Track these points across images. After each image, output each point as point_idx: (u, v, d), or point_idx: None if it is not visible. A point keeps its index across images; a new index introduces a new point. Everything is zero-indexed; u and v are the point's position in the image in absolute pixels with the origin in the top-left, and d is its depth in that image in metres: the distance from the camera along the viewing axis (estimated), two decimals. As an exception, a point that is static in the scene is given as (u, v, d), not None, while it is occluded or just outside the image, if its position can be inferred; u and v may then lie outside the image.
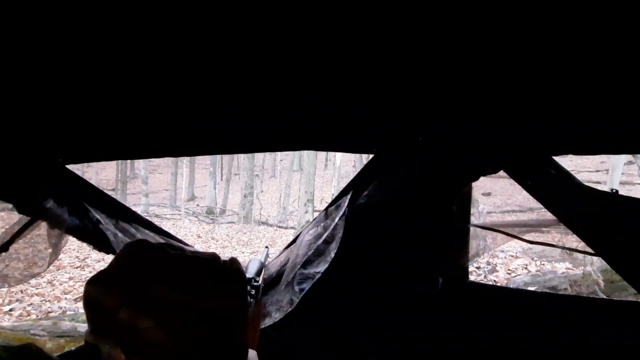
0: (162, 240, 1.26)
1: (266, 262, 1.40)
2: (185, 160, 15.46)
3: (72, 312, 3.74)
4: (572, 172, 1.15)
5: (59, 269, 5.64)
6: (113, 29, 0.49)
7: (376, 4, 0.48)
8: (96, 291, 0.52)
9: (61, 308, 4.12)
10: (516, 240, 1.32)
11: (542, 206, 1.17)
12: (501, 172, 1.21)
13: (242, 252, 7.64)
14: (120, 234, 1.15)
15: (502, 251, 4.50)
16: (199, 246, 8.32)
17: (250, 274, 0.80)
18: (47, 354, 0.69)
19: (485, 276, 3.81)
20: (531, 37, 0.58)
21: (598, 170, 13.69)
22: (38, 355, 0.61)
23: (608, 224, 0.97)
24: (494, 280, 3.71)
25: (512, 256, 4.40)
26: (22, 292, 4.55)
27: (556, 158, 1.13)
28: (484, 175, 1.23)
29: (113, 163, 18.50)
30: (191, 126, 0.93)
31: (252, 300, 0.68)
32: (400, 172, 1.27)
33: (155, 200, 16.42)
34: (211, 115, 0.88)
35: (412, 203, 1.29)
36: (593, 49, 0.61)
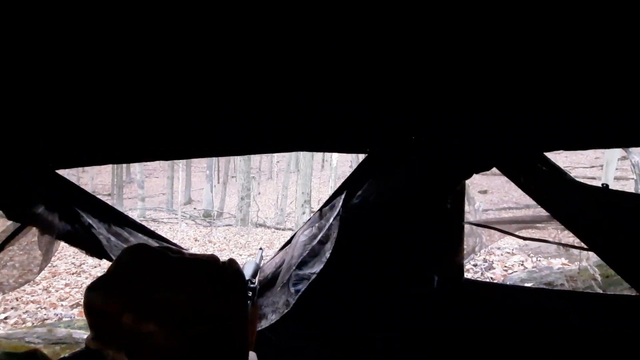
0: (156, 244, 1.25)
1: (261, 264, 1.40)
2: (181, 164, 15.40)
3: (68, 319, 3.71)
4: (566, 169, 1.15)
5: (55, 276, 5.60)
6: (112, 29, 0.49)
7: (376, 4, 0.48)
8: (97, 297, 0.51)
9: (57, 315, 4.08)
10: (512, 237, 1.33)
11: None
12: (497, 170, 1.21)
13: (240, 255, 7.62)
14: (113, 238, 1.14)
15: (499, 248, 4.52)
16: (197, 249, 8.29)
17: (246, 276, 0.81)
18: (51, 359, 0.69)
19: (482, 273, 3.82)
20: (525, 41, 0.59)
21: (593, 166, 13.80)
22: None
23: (600, 218, 0.98)
24: (491, 277, 3.72)
25: (508, 253, 4.42)
26: (17, 299, 4.51)
27: (550, 154, 1.13)
28: (477, 172, 1.24)
29: (109, 168, 18.41)
30: (191, 126, 0.93)
31: (249, 302, 0.68)
32: (395, 172, 1.27)
33: (152, 205, 16.34)
34: (211, 115, 0.88)
35: (406, 202, 1.29)
36: (584, 50, 0.62)
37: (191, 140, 1.01)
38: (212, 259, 0.58)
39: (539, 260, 4.06)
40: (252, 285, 0.73)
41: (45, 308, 4.34)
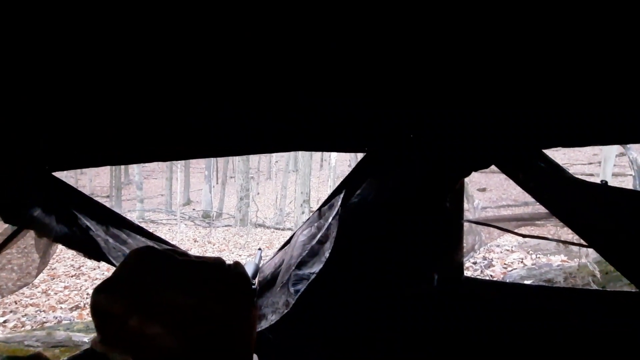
0: (154, 245, 1.25)
1: (260, 264, 1.39)
2: (179, 165, 15.37)
3: (68, 322, 3.70)
4: (564, 165, 1.15)
5: (54, 279, 5.58)
6: (112, 29, 0.49)
7: (376, 4, 0.48)
8: (104, 299, 0.52)
9: (56, 318, 4.07)
10: (511, 234, 1.33)
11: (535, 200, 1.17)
12: (495, 168, 1.21)
13: (239, 255, 7.61)
14: (111, 240, 1.14)
15: (498, 246, 4.52)
16: (196, 250, 8.28)
17: None
18: None
19: (481, 271, 3.82)
20: (523, 41, 0.59)
21: (591, 163, 13.84)
22: None
23: (599, 215, 0.98)
24: (491, 275, 3.73)
25: (507, 250, 4.43)
26: (16, 302, 4.50)
27: (547, 151, 1.13)
28: (476, 170, 1.24)
29: (107, 170, 18.36)
30: (191, 126, 0.92)
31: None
32: (394, 171, 1.27)
33: (150, 206, 16.31)
34: (211, 115, 0.88)
35: (405, 201, 1.29)
36: (582, 50, 0.62)
37: (191, 140, 1.01)
38: (217, 262, 0.59)
39: (538, 258, 4.06)
40: (252, 287, 0.74)
41: (44, 311, 4.33)
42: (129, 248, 1.14)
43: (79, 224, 1.08)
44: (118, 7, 0.44)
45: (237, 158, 12.67)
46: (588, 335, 1.08)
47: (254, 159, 20.42)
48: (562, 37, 0.58)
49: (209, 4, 0.46)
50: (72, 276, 5.79)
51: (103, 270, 5.81)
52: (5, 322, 3.97)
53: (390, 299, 1.29)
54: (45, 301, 4.67)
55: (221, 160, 19.83)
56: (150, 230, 1.32)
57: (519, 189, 1.26)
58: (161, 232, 10.29)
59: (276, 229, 11.95)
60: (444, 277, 1.33)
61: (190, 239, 9.85)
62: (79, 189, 1.23)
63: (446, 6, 0.49)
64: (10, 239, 1.01)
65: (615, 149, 7.95)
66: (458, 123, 1.07)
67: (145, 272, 0.53)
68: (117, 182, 16.66)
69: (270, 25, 0.52)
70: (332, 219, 1.27)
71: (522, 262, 4.01)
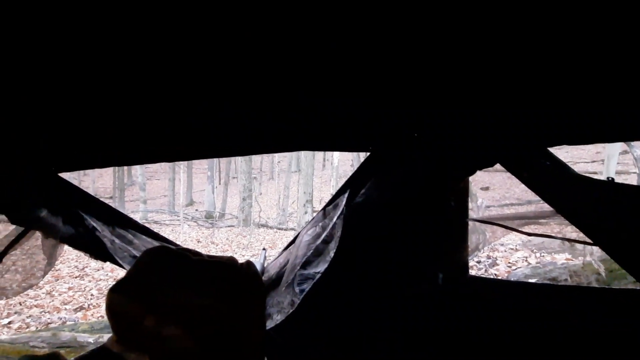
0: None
1: (265, 264, 1.39)
2: (182, 166, 15.41)
3: (72, 323, 3.72)
4: (568, 164, 1.15)
5: (58, 280, 5.61)
6: (112, 29, 0.49)
7: (376, 4, 0.48)
8: (121, 300, 0.52)
9: (61, 319, 4.09)
10: (515, 233, 1.32)
11: (540, 198, 1.17)
12: (499, 166, 1.21)
13: (243, 255, 7.62)
14: (117, 241, 1.14)
15: (502, 244, 4.51)
16: (200, 251, 8.29)
17: None
18: None
19: (486, 270, 3.81)
20: (527, 41, 0.59)
21: (594, 161, 13.78)
22: None
23: (605, 213, 0.97)
24: (495, 274, 3.72)
25: (512, 249, 4.41)
26: (20, 304, 4.52)
27: (552, 149, 1.13)
28: (480, 169, 1.23)
29: (110, 171, 18.43)
30: (191, 126, 0.92)
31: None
32: (398, 170, 1.27)
33: (153, 207, 16.36)
34: (211, 115, 0.87)
35: (409, 200, 1.29)
36: (586, 49, 0.62)
37: (191, 140, 1.01)
38: (231, 262, 0.59)
39: (543, 256, 4.05)
40: (264, 287, 0.75)
41: (49, 312, 4.35)
42: (134, 248, 1.14)
43: (85, 224, 1.08)
44: (118, 7, 0.45)
45: (239, 158, 12.68)
46: (592, 335, 1.08)
47: (256, 159, 20.45)
48: (565, 35, 0.58)
49: (208, 4, 0.46)
50: (76, 277, 5.81)
51: (107, 271, 5.83)
52: (10, 323, 3.99)
53: (394, 299, 1.29)
54: (50, 302, 4.70)
55: (224, 160, 19.86)
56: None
57: (522, 187, 1.26)
58: (164, 233, 10.31)
59: (279, 229, 11.96)
60: (449, 277, 1.33)
61: (194, 240, 9.87)
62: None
63: (448, 5, 0.49)
64: (17, 240, 1.01)
65: (619, 146, 7.92)
66: (461, 122, 1.07)
67: (160, 272, 0.53)
68: (120, 183, 16.72)
69: (270, 25, 0.52)
70: (337, 219, 1.27)
71: (526, 260, 3.99)
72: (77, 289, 5.23)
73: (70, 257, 6.54)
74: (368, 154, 1.36)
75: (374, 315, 1.28)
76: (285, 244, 1.47)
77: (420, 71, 0.72)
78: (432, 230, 1.30)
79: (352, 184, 1.33)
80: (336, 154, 11.48)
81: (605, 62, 0.67)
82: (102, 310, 4.35)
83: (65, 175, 1.13)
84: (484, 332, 1.18)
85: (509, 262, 3.97)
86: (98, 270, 6.01)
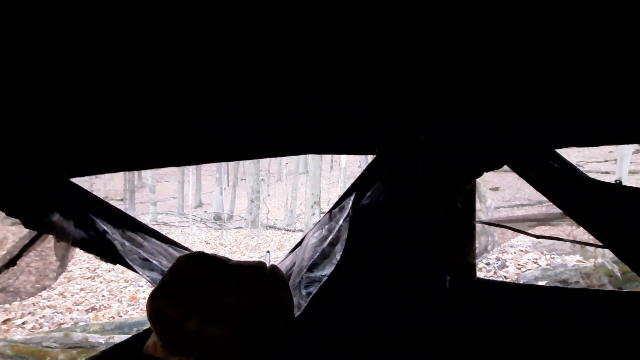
0: (171, 249, 1.27)
1: (271, 267, 1.40)
2: (191, 168, 15.52)
3: (84, 323, 3.78)
4: (580, 163, 1.14)
5: (70, 281, 5.69)
6: (113, 29, 0.50)
7: (376, 4, 0.48)
8: (162, 305, 0.54)
9: (73, 319, 4.16)
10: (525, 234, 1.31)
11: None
12: (508, 167, 1.20)
13: (250, 257, 7.65)
14: (127, 243, 1.16)
15: (512, 246, 4.45)
16: (208, 252, 8.34)
17: None
18: None
19: (495, 272, 3.77)
20: (529, 39, 0.59)
21: (606, 160, 13.51)
22: None
23: (613, 215, 0.96)
24: (504, 276, 3.67)
25: (521, 251, 4.35)
26: (34, 304, 4.60)
27: (562, 150, 1.12)
28: (487, 171, 1.22)
29: (120, 173, 18.64)
30: (191, 126, 0.93)
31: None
32: (403, 172, 1.27)
33: (163, 209, 16.52)
34: (211, 115, 0.88)
35: (416, 202, 1.28)
36: (591, 49, 0.61)
37: (191, 141, 1.02)
38: (260, 266, 0.63)
39: (553, 258, 3.99)
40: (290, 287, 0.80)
41: (61, 313, 4.42)
42: (144, 251, 1.16)
43: (96, 228, 1.10)
44: (118, 7, 0.45)
45: (247, 160, 12.72)
46: (597, 337, 1.06)
47: (264, 161, 20.48)
48: (571, 34, 0.57)
49: (209, 4, 0.46)
50: (87, 278, 5.90)
51: (117, 273, 5.90)
52: (24, 323, 4.07)
53: (400, 301, 1.29)
54: (62, 303, 4.77)
55: (231, 162, 19.92)
56: (163, 233, 1.34)
57: (533, 188, 1.24)
58: (174, 234, 10.40)
59: (287, 230, 11.97)
60: (456, 279, 1.32)
61: (202, 241, 9.94)
62: (94, 192, 1.25)
63: (452, 2, 0.49)
64: (30, 243, 1.04)
65: (632, 146, 7.76)
66: (466, 123, 1.06)
67: (199, 276, 0.56)
68: (131, 186, 16.90)
69: (270, 26, 0.52)
70: (343, 221, 1.28)
71: (536, 262, 3.93)
72: (89, 290, 5.31)
73: (82, 258, 6.63)
74: (374, 156, 1.36)
75: (380, 317, 1.28)
76: (293, 246, 1.48)
77: (423, 71, 0.71)
78: (440, 231, 1.30)
79: (358, 187, 1.33)
80: (344, 155, 11.45)
81: (614, 62, 0.66)
82: (113, 311, 4.41)
83: (76, 178, 1.15)
84: (489, 334, 1.17)
85: (519, 264, 3.92)
86: (109, 271, 6.09)
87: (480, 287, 1.34)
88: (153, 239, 1.25)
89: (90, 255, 1.19)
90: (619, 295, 1.22)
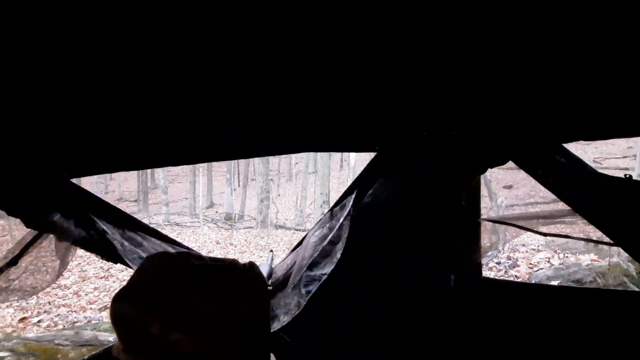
0: (170, 248, 1.27)
1: (272, 266, 1.39)
2: (202, 168, 15.71)
3: (96, 322, 3.85)
4: (598, 159, 1.11)
5: (85, 280, 5.82)
6: (112, 29, 0.50)
7: (376, 3, 0.47)
8: (125, 308, 0.52)
9: (86, 318, 4.24)
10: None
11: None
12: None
13: (260, 257, 7.70)
14: (127, 243, 1.17)
15: (524, 245, 4.36)
16: (219, 252, 8.43)
17: None
18: None
19: (506, 271, 3.69)
20: (531, 38, 0.57)
21: (625, 157, 13.16)
22: None
23: (624, 211, 0.92)
24: (515, 276, 3.60)
25: (533, 250, 4.26)
26: (49, 303, 4.72)
27: (580, 144, 1.08)
28: (492, 167, 1.19)
29: (134, 175, 18.97)
30: (191, 126, 0.93)
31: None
32: (406, 170, 1.25)
33: (175, 209, 16.76)
34: (211, 115, 0.88)
35: (419, 200, 1.26)
36: (593, 49, 0.59)
37: (191, 141, 1.02)
38: (234, 264, 0.59)
39: (567, 257, 3.89)
40: (267, 287, 0.75)
41: (75, 311, 4.52)
42: (144, 250, 1.16)
43: (97, 227, 1.11)
44: (118, 7, 0.45)
45: (257, 160, 12.81)
46: (608, 336, 1.02)
47: (274, 161, 20.61)
48: (574, 32, 0.55)
49: (208, 4, 0.46)
50: (101, 278, 6.01)
51: (130, 272, 6.01)
52: (39, 321, 4.17)
53: (405, 300, 1.27)
54: (77, 302, 4.88)
55: (242, 162, 20.12)
56: (175, 233, 1.35)
57: (543, 185, 1.21)
58: (185, 235, 10.54)
59: (297, 230, 12.01)
60: (461, 278, 1.29)
61: (213, 241, 10.04)
62: (109, 193, 1.27)
63: (448, 3, 0.47)
64: (31, 243, 1.05)
65: (651, 141, 7.53)
66: (467, 122, 1.04)
67: (163, 278, 0.53)
68: (144, 187, 17.20)
69: (270, 25, 0.51)
70: (344, 220, 1.26)
71: (548, 261, 3.84)
72: (102, 289, 5.42)
73: (95, 259, 6.77)
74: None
75: (380, 316, 1.26)
76: (298, 245, 1.47)
77: (423, 71, 0.70)
78: (444, 229, 1.27)
79: (359, 185, 1.31)
80: (353, 154, 11.43)
81: (620, 58, 0.64)
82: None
83: (92, 179, 1.15)
84: (491, 333, 1.14)
85: (530, 264, 3.83)
86: (122, 271, 6.20)
87: (486, 287, 1.31)
88: (153, 239, 1.25)
89: (100, 255, 1.21)
90: (628, 295, 1.18)
